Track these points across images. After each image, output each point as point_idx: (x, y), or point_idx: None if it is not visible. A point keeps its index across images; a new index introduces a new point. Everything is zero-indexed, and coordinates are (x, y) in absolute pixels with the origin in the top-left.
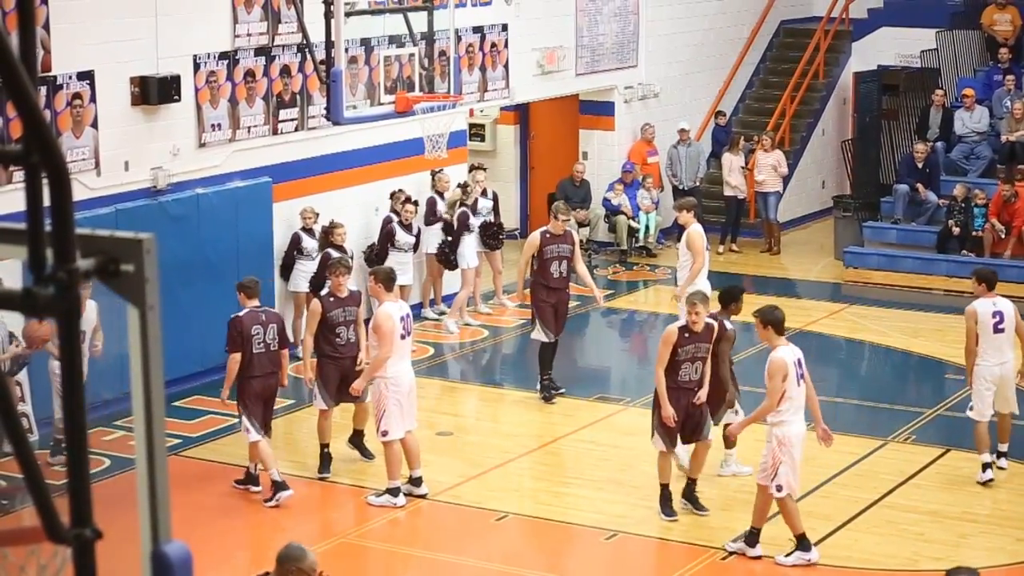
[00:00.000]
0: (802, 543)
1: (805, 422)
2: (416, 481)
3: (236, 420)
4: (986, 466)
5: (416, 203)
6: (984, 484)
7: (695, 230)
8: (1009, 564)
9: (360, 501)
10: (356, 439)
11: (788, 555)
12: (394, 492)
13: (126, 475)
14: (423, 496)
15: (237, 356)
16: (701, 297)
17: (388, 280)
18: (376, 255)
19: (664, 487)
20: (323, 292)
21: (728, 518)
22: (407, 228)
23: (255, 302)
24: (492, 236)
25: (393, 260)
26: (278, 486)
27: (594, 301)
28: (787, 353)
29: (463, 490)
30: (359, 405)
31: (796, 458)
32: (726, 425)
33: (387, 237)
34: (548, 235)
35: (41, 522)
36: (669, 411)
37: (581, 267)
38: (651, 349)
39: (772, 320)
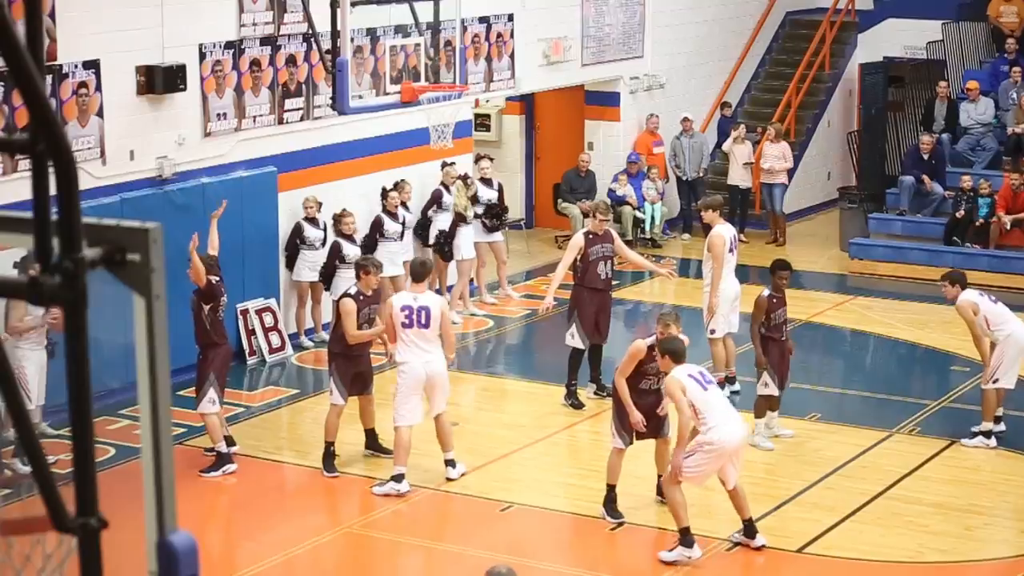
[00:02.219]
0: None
1: (740, 425)
2: (449, 463)
3: (241, 410)
4: (991, 433)
5: (396, 187)
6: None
7: (717, 232)
8: (1015, 556)
9: (365, 491)
10: (371, 442)
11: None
12: (398, 479)
13: (132, 464)
14: (453, 479)
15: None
16: (674, 318)
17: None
18: (363, 246)
19: (611, 488)
20: (353, 291)
21: (733, 509)
22: (393, 216)
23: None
24: (494, 216)
25: (383, 250)
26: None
27: (666, 275)
28: (678, 371)
29: (468, 480)
30: (364, 401)
31: (722, 458)
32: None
33: (375, 228)
34: (591, 236)
35: (47, 511)
36: (637, 417)
37: (632, 254)
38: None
39: (670, 351)
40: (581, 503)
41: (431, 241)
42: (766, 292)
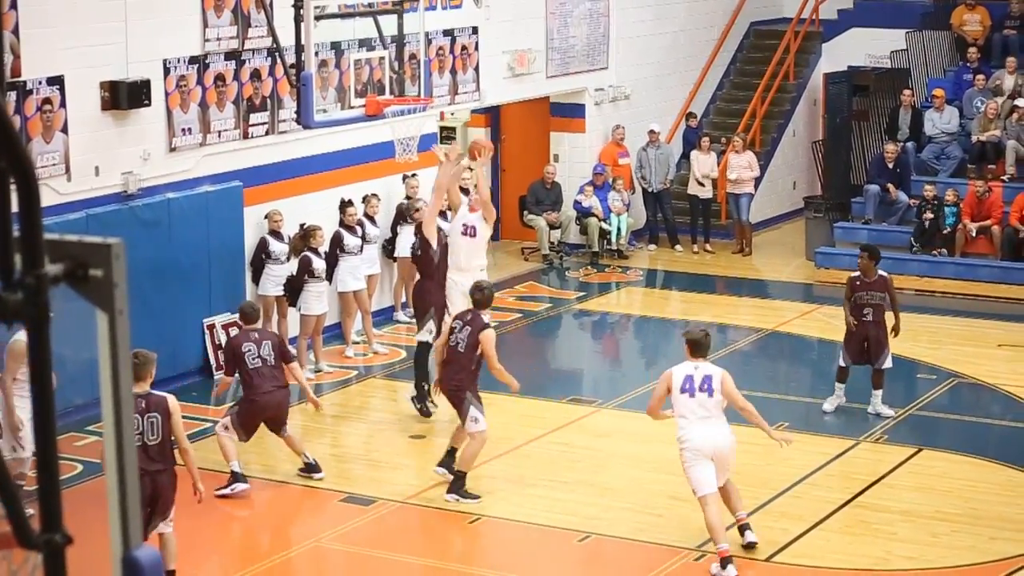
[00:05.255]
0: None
1: (721, 427)
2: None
3: (208, 425)
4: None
5: (364, 201)
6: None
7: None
8: (982, 563)
9: (333, 504)
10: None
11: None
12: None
13: (98, 480)
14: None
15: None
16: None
17: None
18: (326, 261)
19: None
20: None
21: (701, 519)
22: (351, 230)
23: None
24: None
25: (344, 265)
26: (236, 477)
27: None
28: (679, 366)
29: (436, 493)
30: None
31: (703, 458)
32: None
33: (334, 243)
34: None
35: (11, 528)
36: None
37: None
38: (623, 350)
39: (687, 340)
40: (550, 515)
41: (397, 253)
42: (854, 273)
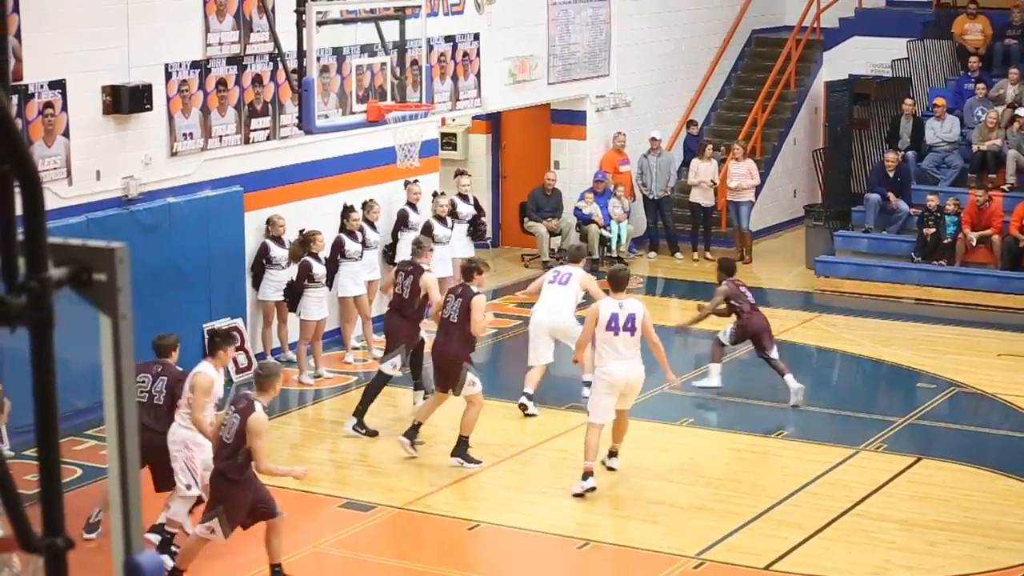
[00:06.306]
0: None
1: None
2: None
3: None
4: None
5: (364, 207)
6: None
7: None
8: (979, 572)
9: (332, 510)
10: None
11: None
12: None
13: (98, 484)
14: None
15: None
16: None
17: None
18: (326, 266)
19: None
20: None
21: (700, 527)
22: (353, 236)
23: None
24: (476, 229)
25: (345, 271)
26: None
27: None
28: (606, 302)
29: (435, 499)
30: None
31: (614, 391)
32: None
33: (335, 248)
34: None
35: (13, 532)
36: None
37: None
38: None
39: (610, 276)
40: (549, 522)
41: (398, 259)
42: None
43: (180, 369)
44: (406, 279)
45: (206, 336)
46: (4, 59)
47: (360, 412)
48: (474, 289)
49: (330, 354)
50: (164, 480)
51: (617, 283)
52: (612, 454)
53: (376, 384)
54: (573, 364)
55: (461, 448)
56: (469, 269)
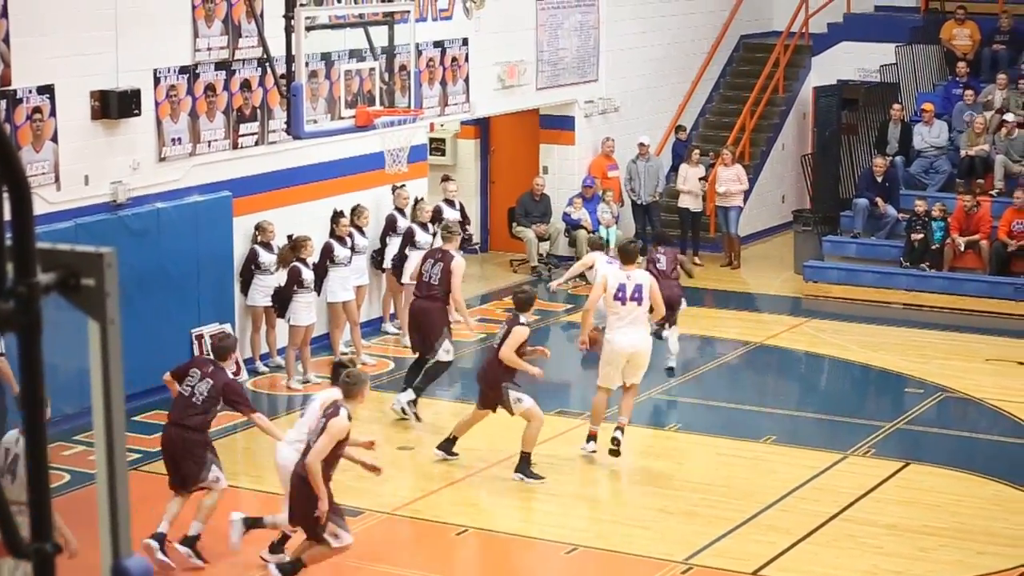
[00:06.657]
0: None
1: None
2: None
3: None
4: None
5: (354, 212)
6: None
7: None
8: None
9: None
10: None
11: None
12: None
13: (86, 490)
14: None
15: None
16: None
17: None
18: (315, 272)
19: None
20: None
21: (689, 532)
22: (342, 241)
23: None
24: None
25: (334, 276)
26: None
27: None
28: (614, 271)
29: (423, 504)
30: None
31: (620, 359)
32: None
33: (324, 254)
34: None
35: (1, 537)
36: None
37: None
38: None
39: (620, 249)
40: (537, 527)
41: (386, 264)
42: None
43: (230, 376)
44: (434, 266)
45: (335, 373)
46: None
47: (419, 390)
48: (522, 320)
49: (318, 359)
50: (184, 479)
51: (627, 256)
52: (619, 428)
53: (433, 372)
54: (580, 349)
55: (523, 465)
56: (525, 301)
